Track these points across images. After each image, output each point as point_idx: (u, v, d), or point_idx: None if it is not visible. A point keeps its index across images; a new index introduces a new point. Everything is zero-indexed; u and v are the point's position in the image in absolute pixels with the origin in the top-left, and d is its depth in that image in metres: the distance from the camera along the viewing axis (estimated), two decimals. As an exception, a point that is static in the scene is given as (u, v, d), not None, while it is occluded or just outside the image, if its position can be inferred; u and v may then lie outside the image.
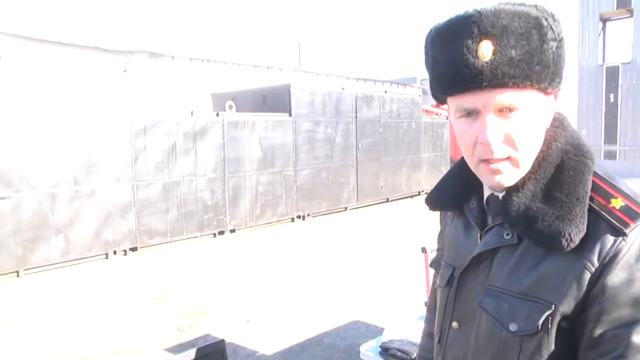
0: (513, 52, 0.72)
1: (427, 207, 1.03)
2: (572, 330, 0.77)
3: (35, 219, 6.02)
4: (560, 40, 0.75)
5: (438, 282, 1.01)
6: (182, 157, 7.52)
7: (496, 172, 0.79)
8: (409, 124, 11.92)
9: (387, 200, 11.46)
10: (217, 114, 8.12)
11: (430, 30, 0.79)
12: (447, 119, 13.74)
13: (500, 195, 0.85)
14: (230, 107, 8.83)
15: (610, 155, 16.60)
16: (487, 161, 0.79)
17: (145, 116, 7.09)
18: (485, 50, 0.72)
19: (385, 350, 2.33)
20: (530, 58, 0.72)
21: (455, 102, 0.79)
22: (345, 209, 10.38)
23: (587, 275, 0.73)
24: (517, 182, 0.81)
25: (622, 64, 16.41)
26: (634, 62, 16.13)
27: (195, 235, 7.76)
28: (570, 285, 0.74)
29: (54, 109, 6.16)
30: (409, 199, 12.02)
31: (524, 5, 0.74)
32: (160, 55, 12.32)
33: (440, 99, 0.82)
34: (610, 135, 16.73)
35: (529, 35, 0.72)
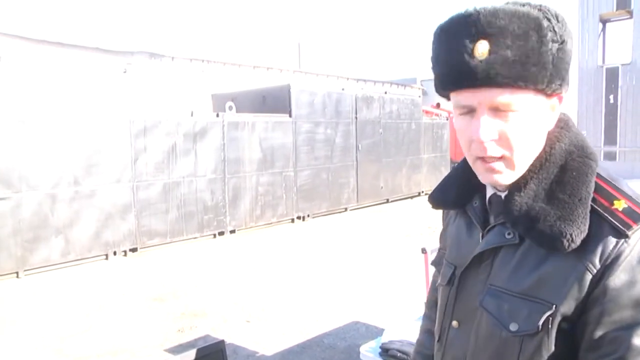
0: (509, 52, 0.72)
1: (430, 205, 1.03)
2: (572, 332, 0.77)
3: (35, 219, 6.02)
4: (563, 42, 0.74)
5: (439, 280, 1.01)
6: (182, 158, 7.52)
7: (491, 170, 0.80)
8: (409, 124, 11.92)
9: (387, 201, 11.46)
10: (217, 115, 8.12)
11: (436, 28, 0.81)
12: (447, 119, 13.74)
13: (503, 194, 0.86)
14: (230, 108, 8.83)
15: (610, 156, 16.60)
16: (482, 159, 0.80)
17: (145, 117, 7.09)
18: (482, 49, 0.73)
19: (385, 351, 2.33)
20: (526, 59, 0.72)
21: (454, 99, 0.80)
22: (345, 209, 10.38)
23: (589, 277, 0.73)
24: (520, 182, 0.81)
25: (622, 65, 16.42)
26: (633, 63, 16.14)
27: (195, 235, 7.76)
28: (571, 286, 0.74)
29: (54, 109, 6.16)
30: (409, 199, 12.02)
31: (527, 5, 0.74)
32: (160, 55, 12.33)
33: (444, 95, 0.83)
34: (610, 137, 16.73)
35: (527, 36, 0.72)
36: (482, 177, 0.83)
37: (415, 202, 11.71)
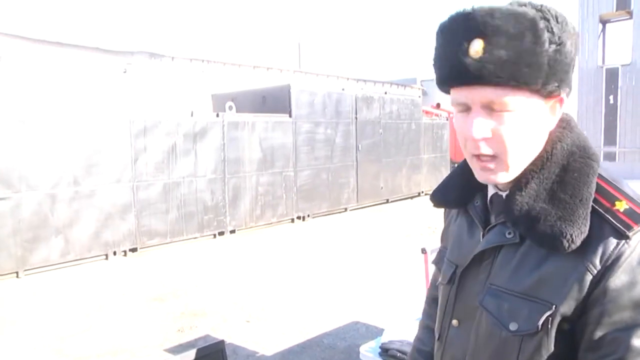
0: (503, 52, 0.73)
1: (432, 204, 1.04)
2: (573, 332, 0.77)
3: (35, 219, 6.02)
4: (561, 44, 0.74)
5: (440, 279, 1.01)
6: (182, 158, 7.52)
7: (485, 168, 0.81)
8: (409, 125, 11.92)
9: (387, 201, 11.46)
10: (217, 115, 8.12)
11: (438, 25, 0.82)
12: (446, 120, 13.74)
13: (504, 194, 0.86)
14: (230, 108, 8.83)
15: (610, 157, 16.60)
16: (478, 157, 0.81)
17: (145, 117, 7.09)
18: (476, 48, 0.74)
19: (385, 351, 2.33)
20: (520, 59, 0.73)
21: (452, 96, 0.82)
22: (345, 209, 10.38)
23: (589, 277, 0.74)
24: (521, 182, 0.81)
25: (622, 65, 16.42)
26: (633, 64, 16.14)
27: (195, 236, 7.76)
28: (571, 286, 0.74)
29: (53, 109, 6.16)
30: (409, 200, 12.02)
31: (526, 5, 0.74)
32: (160, 55, 12.33)
33: (445, 91, 0.84)
34: (610, 137, 16.73)
35: (522, 36, 0.72)
36: (478, 175, 0.84)
37: (415, 203, 11.71)
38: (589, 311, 0.74)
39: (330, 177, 9.94)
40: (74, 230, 6.37)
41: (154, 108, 8.16)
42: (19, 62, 6.06)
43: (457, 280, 0.93)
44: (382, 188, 11.24)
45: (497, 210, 0.87)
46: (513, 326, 0.79)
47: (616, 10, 16.48)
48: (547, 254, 0.78)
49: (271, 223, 8.94)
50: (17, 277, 5.91)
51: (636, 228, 0.73)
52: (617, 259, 0.72)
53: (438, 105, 16.86)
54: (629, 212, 0.75)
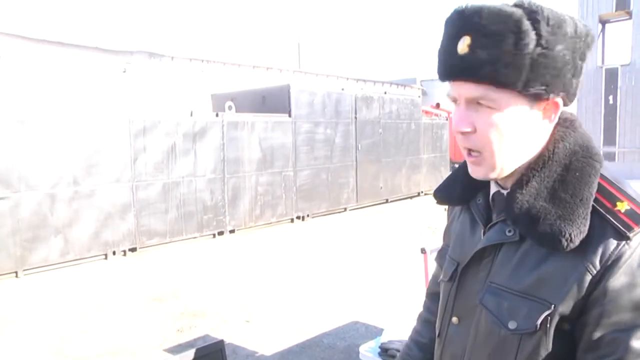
0: (485, 50, 0.74)
1: (435, 201, 1.05)
2: (573, 332, 0.77)
3: (34, 219, 6.02)
4: (547, 47, 0.74)
5: (441, 276, 1.02)
6: (182, 158, 7.51)
7: (473, 162, 0.84)
8: (408, 125, 11.93)
9: (387, 201, 11.46)
10: (217, 115, 8.12)
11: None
12: (446, 120, 13.75)
13: (506, 192, 0.86)
14: (230, 108, 8.83)
15: (609, 157, 16.61)
16: (469, 152, 0.83)
17: (145, 116, 7.09)
18: (463, 44, 0.76)
19: (384, 350, 2.33)
20: (499, 59, 0.74)
21: (448, 89, 0.85)
22: (345, 209, 10.38)
23: (588, 277, 0.74)
24: (522, 180, 0.82)
25: (621, 65, 16.43)
26: (632, 64, 16.15)
27: (195, 235, 7.76)
28: (570, 286, 0.75)
29: (53, 109, 6.15)
30: (409, 199, 12.02)
31: (517, 5, 0.75)
32: (159, 55, 12.32)
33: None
34: (610, 137, 16.74)
35: (505, 36, 0.73)
36: (469, 169, 0.87)
37: (415, 202, 11.71)
38: (588, 311, 0.74)
39: (329, 177, 9.94)
40: (74, 230, 6.36)
41: (154, 108, 8.16)
42: (19, 62, 6.06)
43: (458, 278, 0.93)
44: (381, 188, 11.24)
45: (499, 208, 0.88)
46: (512, 325, 0.79)
47: (616, 11, 16.48)
48: (547, 253, 0.78)
49: (270, 223, 8.93)
50: (17, 277, 5.91)
51: (637, 229, 0.73)
52: (617, 259, 0.72)
53: (438, 105, 16.86)
54: (630, 213, 0.75)
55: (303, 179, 9.41)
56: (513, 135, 0.79)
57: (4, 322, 4.53)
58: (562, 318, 0.76)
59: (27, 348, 3.98)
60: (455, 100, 0.82)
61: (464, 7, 0.77)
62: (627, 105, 16.31)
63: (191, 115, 7.70)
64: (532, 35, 0.73)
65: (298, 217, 9.38)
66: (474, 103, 0.79)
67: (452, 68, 0.79)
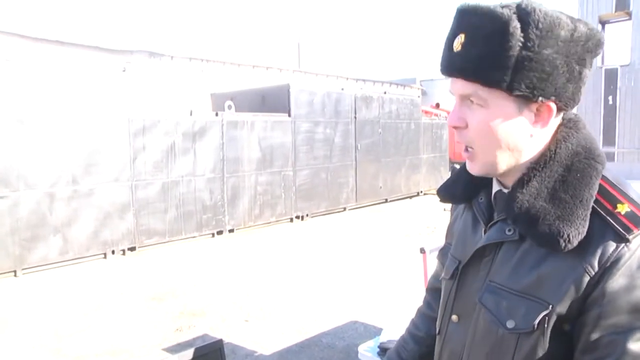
0: (474, 49, 0.77)
1: (439, 199, 1.06)
2: (572, 333, 0.77)
3: (33, 218, 6.01)
4: (534, 50, 0.74)
5: (443, 274, 1.02)
6: (181, 157, 7.51)
7: (467, 157, 0.87)
8: (408, 124, 11.93)
9: (386, 201, 11.46)
10: (216, 114, 8.11)
11: None
12: (446, 119, 13.74)
13: (507, 191, 0.87)
14: (230, 107, 8.83)
15: (609, 157, 16.63)
16: (465, 147, 0.86)
17: (144, 116, 7.08)
18: (457, 42, 0.79)
19: (383, 350, 2.33)
20: (485, 58, 0.76)
21: None
22: (344, 209, 10.38)
23: (586, 279, 0.74)
24: (523, 179, 0.82)
25: (621, 66, 16.43)
26: (632, 65, 16.16)
27: (194, 235, 7.76)
28: (569, 287, 0.75)
29: (52, 108, 6.14)
30: (408, 199, 12.02)
31: (508, 6, 0.75)
32: (159, 54, 12.31)
33: None
34: (609, 137, 16.75)
35: (492, 37, 0.75)
36: (466, 165, 0.90)
37: (414, 202, 11.72)
38: (586, 312, 0.74)
39: (329, 177, 9.94)
40: (73, 229, 6.36)
41: (153, 107, 8.15)
42: (18, 61, 6.05)
43: (459, 276, 0.94)
44: (381, 188, 11.24)
45: (500, 207, 0.88)
46: (510, 324, 0.79)
47: (615, 11, 16.48)
48: (547, 253, 0.78)
49: (270, 222, 8.93)
50: (15, 276, 5.90)
51: (636, 231, 0.73)
52: (616, 261, 0.72)
53: (437, 105, 16.87)
54: (630, 215, 0.75)
55: (302, 178, 9.41)
56: (501, 134, 0.80)
57: (2, 321, 4.52)
58: (562, 318, 0.76)
59: (25, 347, 3.98)
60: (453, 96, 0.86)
61: (464, 6, 0.79)
62: (626, 105, 16.32)
63: (191, 114, 7.70)
64: (519, 37, 0.74)
65: (297, 217, 9.38)
66: (467, 100, 0.81)
67: (448, 64, 0.82)
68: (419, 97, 13.03)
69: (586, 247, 0.74)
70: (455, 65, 0.80)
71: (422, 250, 2.73)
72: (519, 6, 0.75)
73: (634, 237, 0.73)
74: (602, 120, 16.81)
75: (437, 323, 1.01)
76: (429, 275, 2.70)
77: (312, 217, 9.65)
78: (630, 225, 0.73)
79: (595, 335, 0.74)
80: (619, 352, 0.71)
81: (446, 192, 1.02)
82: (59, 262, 6.28)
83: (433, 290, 1.21)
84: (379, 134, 11.05)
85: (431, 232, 7.98)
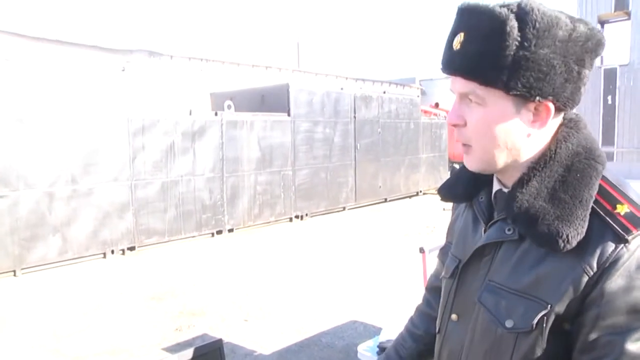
0: (472, 48, 0.77)
1: (439, 197, 1.06)
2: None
3: (32, 218, 6.01)
4: (530, 50, 0.74)
5: (443, 273, 1.02)
6: (181, 157, 7.51)
7: (464, 153, 0.87)
8: (407, 124, 11.93)
9: (386, 201, 11.46)
10: (216, 114, 8.11)
11: None
12: (445, 119, 13.74)
13: (507, 190, 0.87)
14: (229, 107, 8.83)
15: (608, 157, 16.56)
16: (463, 143, 0.87)
17: (144, 115, 7.08)
18: (457, 41, 0.79)
19: (383, 350, 2.33)
20: (483, 57, 0.76)
21: None
22: (344, 209, 10.38)
23: (585, 279, 0.74)
24: (523, 179, 0.82)
25: (620, 66, 16.44)
26: (631, 64, 16.17)
27: (194, 234, 7.76)
28: (567, 287, 0.75)
29: (52, 107, 6.14)
30: (407, 199, 12.03)
31: (506, 6, 0.76)
32: (159, 54, 12.30)
33: None
34: (608, 137, 16.76)
35: (490, 36, 0.75)
36: (464, 161, 0.91)
37: (414, 202, 11.72)
38: (584, 313, 0.75)
39: (328, 176, 9.94)
40: (72, 228, 6.35)
41: (153, 106, 8.15)
42: (17, 60, 6.04)
43: (459, 275, 0.94)
44: (380, 187, 11.24)
45: (500, 206, 0.88)
46: (509, 323, 0.80)
47: (614, 11, 16.49)
48: (546, 253, 0.78)
49: (269, 222, 8.93)
50: (15, 275, 5.90)
51: (635, 232, 0.73)
52: (615, 262, 0.72)
53: (437, 105, 16.87)
54: (629, 216, 0.75)
55: (302, 178, 9.41)
56: (498, 133, 0.81)
57: (2, 321, 4.52)
58: (561, 318, 0.76)
59: (25, 347, 3.98)
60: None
61: (463, 4, 0.80)
62: (625, 105, 16.33)
63: (190, 114, 7.70)
64: (516, 36, 0.74)
65: (297, 216, 9.38)
66: (466, 98, 0.82)
67: (447, 62, 0.83)
68: (418, 96, 13.03)
69: (585, 247, 0.74)
70: (454, 64, 0.81)
71: (422, 250, 2.73)
72: (518, 6, 0.75)
73: (633, 238, 0.73)
74: (601, 119, 16.82)
75: (437, 322, 1.01)
76: (428, 275, 2.70)
77: (311, 216, 9.65)
78: (629, 226, 0.74)
79: (593, 336, 0.74)
80: (617, 353, 0.72)
81: (447, 191, 1.02)
82: (58, 262, 6.28)
83: (433, 289, 1.21)
84: (379, 134, 11.06)
85: (430, 232, 7.99)
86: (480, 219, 0.92)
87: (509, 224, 0.83)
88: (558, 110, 0.80)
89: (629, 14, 16.28)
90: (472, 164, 0.87)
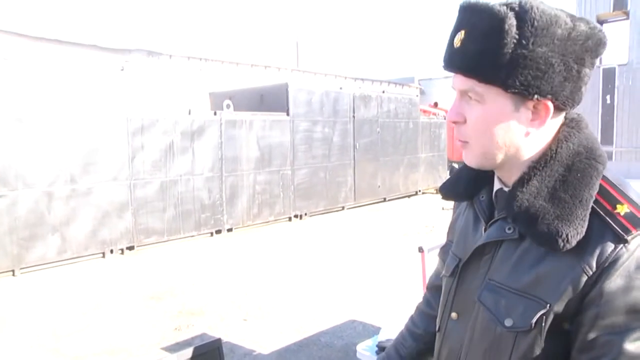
0: (472, 46, 0.78)
1: (440, 196, 1.07)
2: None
3: (31, 217, 6.00)
4: (528, 48, 0.74)
5: (443, 272, 1.03)
6: (180, 156, 7.50)
7: (462, 147, 0.88)
8: (406, 123, 11.93)
9: (385, 200, 11.47)
10: (215, 113, 8.11)
11: None
12: (444, 119, 13.74)
13: (507, 189, 0.87)
14: (228, 106, 8.82)
15: (607, 157, 16.65)
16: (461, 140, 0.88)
17: (143, 115, 7.08)
18: (457, 39, 0.80)
19: (382, 349, 2.33)
20: (482, 55, 0.77)
21: None
22: (343, 208, 10.39)
23: (584, 279, 0.74)
24: (523, 178, 0.82)
25: (619, 65, 16.46)
26: (630, 64, 16.19)
27: (193, 234, 7.75)
28: (566, 286, 0.75)
29: (51, 107, 6.13)
30: (406, 198, 12.03)
31: (505, 4, 0.76)
32: (157, 53, 12.29)
33: None
34: (607, 137, 16.78)
35: (489, 34, 0.76)
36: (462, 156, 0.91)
37: (413, 201, 11.73)
38: (583, 312, 0.75)
39: (327, 176, 9.94)
40: (71, 228, 6.35)
41: (152, 106, 8.14)
42: (16, 60, 6.04)
43: (459, 274, 0.94)
44: (379, 187, 11.24)
45: (501, 205, 0.88)
46: (508, 322, 0.80)
47: (613, 11, 16.51)
48: (546, 252, 0.78)
49: (268, 221, 8.93)
50: (13, 275, 5.89)
51: (635, 232, 0.73)
52: (614, 262, 0.73)
53: (436, 104, 16.87)
54: (629, 216, 0.75)
55: (301, 177, 9.41)
56: (496, 130, 0.81)
57: (1, 321, 4.52)
58: (560, 318, 0.76)
59: (23, 347, 3.98)
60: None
61: (464, 2, 0.81)
62: (624, 104, 16.35)
63: (189, 113, 7.69)
64: (514, 35, 0.74)
65: (296, 216, 9.38)
66: (466, 95, 0.83)
67: (448, 59, 0.83)
68: (417, 96, 13.04)
69: (585, 247, 0.74)
70: (455, 61, 0.81)
71: (421, 249, 2.73)
72: (519, 4, 0.75)
73: (632, 238, 0.73)
74: (600, 119, 16.84)
75: (437, 320, 1.01)
76: (428, 274, 2.70)
77: (310, 216, 9.65)
78: (629, 226, 0.74)
79: (592, 335, 0.74)
80: (615, 352, 0.72)
81: (448, 190, 1.02)
82: (57, 262, 6.27)
83: (433, 288, 1.22)
84: (378, 133, 11.06)
85: (429, 231, 7.99)
86: (480, 217, 0.93)
87: (509, 223, 0.83)
88: (558, 109, 0.80)
89: (627, 14, 16.29)
90: (471, 160, 0.87)
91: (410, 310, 1.31)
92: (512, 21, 0.74)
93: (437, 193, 12.19)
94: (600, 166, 0.80)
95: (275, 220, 9.05)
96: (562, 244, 0.74)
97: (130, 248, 6.99)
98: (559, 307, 0.76)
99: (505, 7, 0.75)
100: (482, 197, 0.94)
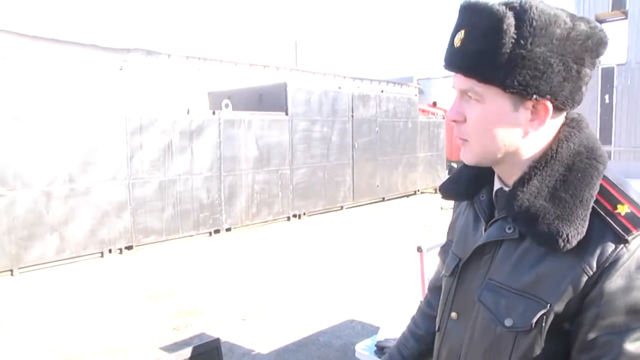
0: (471, 45, 0.78)
1: (440, 196, 1.07)
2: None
3: (30, 217, 5.99)
4: (527, 48, 0.74)
5: (443, 271, 1.02)
6: (178, 156, 7.50)
7: (461, 145, 0.88)
8: (405, 123, 11.94)
9: (383, 200, 11.47)
10: (214, 113, 8.10)
11: None
12: (443, 118, 13.75)
13: (508, 189, 0.87)
14: (227, 106, 8.81)
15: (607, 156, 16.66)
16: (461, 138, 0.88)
17: (141, 114, 7.07)
18: (458, 38, 0.80)
19: (380, 349, 2.34)
20: (481, 55, 0.77)
21: None
22: (341, 208, 10.39)
23: (584, 279, 0.74)
24: (524, 178, 0.82)
25: (617, 65, 16.47)
26: (628, 64, 16.21)
27: (191, 233, 7.75)
28: (567, 286, 0.75)
29: (49, 106, 6.12)
30: (405, 198, 12.04)
31: (505, 4, 0.76)
32: (156, 53, 12.27)
33: None
34: (606, 136, 16.80)
35: (488, 34, 0.76)
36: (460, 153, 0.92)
37: (411, 201, 11.73)
38: (584, 312, 0.75)
39: (326, 175, 9.94)
40: (69, 228, 6.34)
41: (150, 105, 8.13)
42: (14, 59, 6.02)
43: (459, 274, 0.94)
44: (378, 186, 11.25)
45: (501, 205, 0.88)
46: (508, 322, 0.80)
47: (612, 10, 16.52)
48: (546, 252, 0.78)
49: (267, 221, 8.93)
50: (12, 275, 5.88)
51: (635, 232, 0.73)
52: (614, 262, 0.72)
53: (434, 104, 16.87)
54: (629, 216, 0.75)
55: (299, 177, 9.41)
56: (495, 130, 0.81)
57: (-1, 320, 4.51)
58: (561, 317, 0.76)
59: (22, 346, 3.97)
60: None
61: (465, 2, 0.81)
62: (623, 104, 16.37)
63: (188, 113, 7.69)
64: (512, 34, 0.74)
65: (294, 216, 9.38)
66: (466, 95, 0.83)
67: (448, 59, 0.84)
68: (416, 95, 13.04)
69: (585, 247, 0.74)
70: (455, 61, 0.82)
71: (419, 249, 2.73)
72: (519, 3, 0.75)
73: (633, 238, 0.73)
74: (598, 119, 16.85)
75: (437, 320, 1.01)
76: (426, 274, 2.70)
77: (309, 215, 9.65)
78: (630, 227, 0.74)
79: (592, 335, 0.74)
80: (615, 352, 0.72)
81: (448, 189, 1.02)
82: (55, 261, 6.27)
83: (434, 289, 1.21)
84: (376, 133, 11.06)
85: (428, 231, 7.99)
86: (481, 217, 0.92)
87: (510, 223, 0.83)
88: (557, 109, 0.80)
89: (626, 14, 16.31)
90: (469, 158, 0.87)
91: (409, 309, 1.31)
92: (510, 21, 0.74)
93: (435, 193, 12.21)
94: (600, 166, 0.80)
95: (274, 219, 9.04)
96: (562, 244, 0.74)
97: (129, 248, 6.98)
98: (559, 307, 0.76)
99: (504, 7, 0.75)
100: (482, 196, 0.94)
